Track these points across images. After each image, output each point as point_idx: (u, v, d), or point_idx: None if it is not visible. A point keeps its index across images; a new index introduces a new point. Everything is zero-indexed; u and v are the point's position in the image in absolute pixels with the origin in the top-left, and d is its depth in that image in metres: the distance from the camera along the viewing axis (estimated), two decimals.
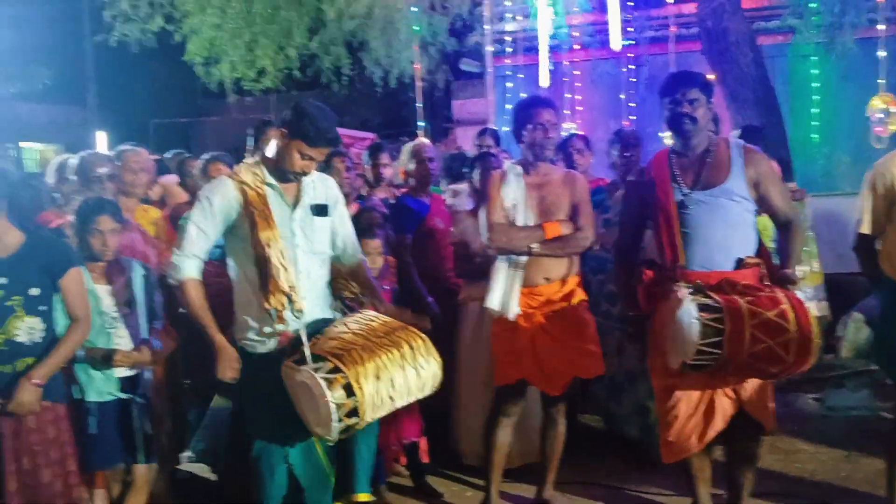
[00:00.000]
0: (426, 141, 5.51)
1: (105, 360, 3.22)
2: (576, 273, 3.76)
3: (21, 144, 16.26)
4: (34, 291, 3.01)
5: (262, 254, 2.99)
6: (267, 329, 3.06)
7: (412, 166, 4.76)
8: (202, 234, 3.08)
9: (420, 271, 4.41)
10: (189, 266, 3.07)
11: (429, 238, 4.60)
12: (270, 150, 3.14)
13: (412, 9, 9.32)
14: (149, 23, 9.29)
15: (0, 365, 2.97)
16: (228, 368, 3.06)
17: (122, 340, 3.29)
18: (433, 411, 4.11)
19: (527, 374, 3.67)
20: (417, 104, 9.62)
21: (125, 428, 3.28)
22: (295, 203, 3.14)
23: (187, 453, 4.34)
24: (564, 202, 3.67)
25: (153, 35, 9.43)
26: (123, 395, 3.29)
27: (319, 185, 3.25)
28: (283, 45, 9.84)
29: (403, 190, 4.97)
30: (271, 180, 3.11)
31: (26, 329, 2.99)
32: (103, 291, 3.30)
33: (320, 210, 3.19)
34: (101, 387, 3.26)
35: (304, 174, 3.11)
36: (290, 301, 2.97)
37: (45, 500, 3.01)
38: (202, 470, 4.35)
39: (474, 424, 4.13)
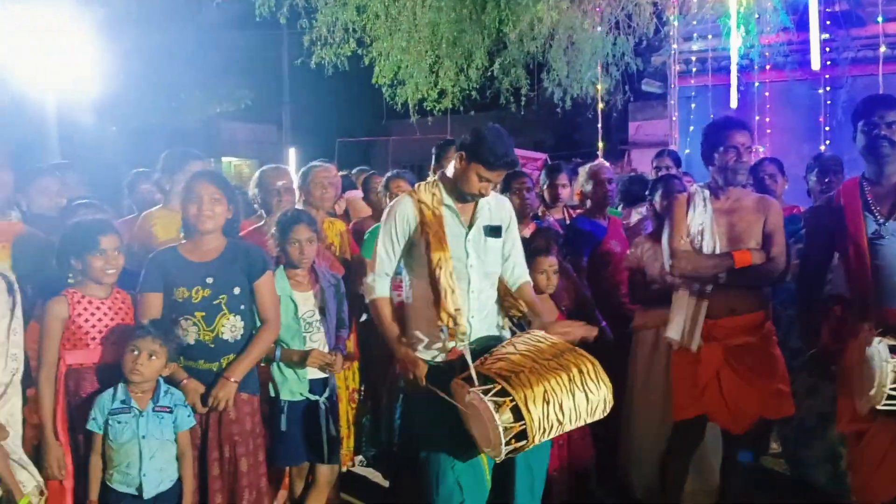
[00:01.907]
0: (605, 163, 5.43)
1: (300, 360, 3.41)
2: (765, 306, 3.54)
3: (223, 159, 17.72)
4: (236, 290, 3.24)
5: (434, 273, 3.05)
6: (437, 344, 3.12)
7: (589, 187, 4.70)
8: (389, 254, 3.20)
9: (593, 295, 4.34)
10: (381, 286, 3.21)
11: (604, 261, 4.52)
12: (450, 170, 3.20)
13: (597, 29, 9.24)
14: (343, 47, 9.85)
15: (207, 362, 3.21)
16: (416, 376, 3.13)
17: (315, 345, 3.48)
18: (601, 439, 4.02)
19: (708, 410, 3.49)
20: (598, 125, 9.52)
21: (312, 428, 3.44)
22: (470, 224, 3.19)
23: (359, 457, 4.52)
24: (756, 229, 3.47)
25: (346, 59, 9.98)
26: (312, 397, 3.47)
27: (494, 207, 3.28)
28: (464, 67, 10.10)
29: (579, 211, 4.92)
30: (449, 202, 3.18)
31: (230, 327, 3.22)
32: (300, 298, 3.50)
33: (494, 231, 3.22)
34: (293, 387, 3.45)
35: (482, 195, 3.15)
36: (455, 323, 3.01)
37: (241, 488, 3.22)
38: (373, 475, 4.51)
39: (647, 457, 3.99)
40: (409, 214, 3.16)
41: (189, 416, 3.10)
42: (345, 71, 10.13)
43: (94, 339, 3.07)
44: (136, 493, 2.94)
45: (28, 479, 2.76)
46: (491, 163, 3.04)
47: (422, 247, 3.12)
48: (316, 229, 3.57)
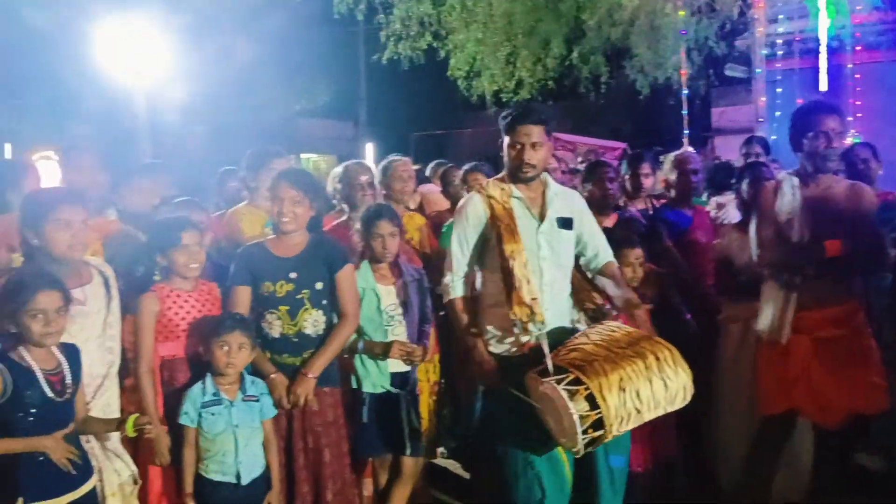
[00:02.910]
0: (691, 151, 5.29)
1: (382, 352, 3.46)
2: (858, 296, 3.40)
3: (301, 155, 18.05)
4: (318, 285, 3.31)
5: (507, 266, 3.04)
6: (510, 338, 3.11)
7: (674, 177, 4.60)
8: (463, 253, 3.22)
9: (677, 286, 4.24)
10: (459, 285, 3.23)
11: (689, 252, 4.41)
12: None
13: (679, 13, 9.02)
14: (418, 41, 9.92)
15: (291, 356, 3.29)
16: (489, 378, 3.15)
17: (397, 339, 3.52)
18: (687, 432, 3.93)
19: (798, 404, 3.39)
20: (683, 111, 9.29)
21: (394, 420, 3.49)
22: (541, 216, 3.17)
23: (441, 449, 4.55)
24: (848, 217, 3.34)
25: (421, 52, 10.05)
26: (394, 390, 3.51)
27: (565, 199, 3.26)
28: (541, 57, 10.02)
29: (662, 201, 4.82)
30: (518, 194, 3.17)
31: (312, 322, 3.29)
32: (383, 291, 3.55)
33: (566, 223, 3.20)
34: (375, 379, 3.51)
35: (528, 165, 3.11)
36: (532, 313, 2.99)
37: (325, 478, 3.29)
38: (455, 466, 4.54)
39: (734, 452, 3.88)
40: (479, 211, 3.17)
41: (272, 404, 3.19)
42: (420, 65, 10.20)
43: (184, 330, 3.18)
44: (233, 481, 3.03)
45: (123, 468, 2.88)
46: (504, 123, 3.13)
47: (493, 240, 3.12)
48: (399, 224, 3.62)
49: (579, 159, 7.65)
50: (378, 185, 4.35)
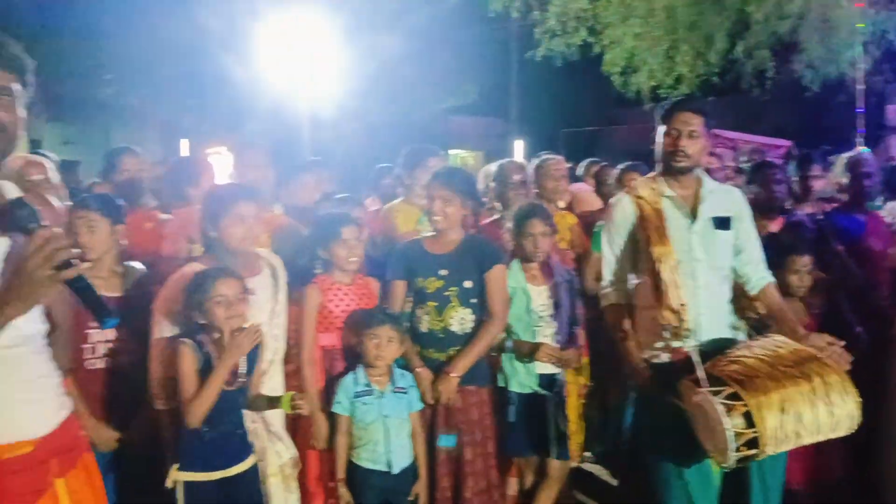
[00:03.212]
0: (867, 153, 4.91)
1: (530, 353, 3.45)
2: None
3: (450, 152, 18.31)
4: (467, 284, 3.34)
5: (655, 269, 2.93)
6: (659, 343, 3.00)
7: (847, 179, 4.29)
8: (615, 257, 3.14)
9: (847, 296, 3.96)
10: (612, 292, 3.15)
11: (862, 260, 4.10)
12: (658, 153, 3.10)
13: (855, 5, 8.40)
14: (573, 37, 9.80)
15: (437, 352, 3.34)
16: (643, 386, 3.07)
17: (545, 340, 3.50)
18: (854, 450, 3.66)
19: None
20: (858, 109, 8.65)
21: (540, 422, 3.47)
22: (694, 215, 3.03)
23: (587, 454, 4.48)
24: None
25: (576, 48, 9.92)
26: (541, 391, 3.49)
27: (722, 196, 3.10)
28: (703, 52, 9.63)
29: (833, 205, 4.51)
30: (670, 193, 3.05)
31: (459, 319, 3.33)
32: (534, 291, 3.54)
33: (722, 223, 3.03)
34: (522, 379, 3.50)
35: (682, 154, 2.98)
36: (681, 319, 2.87)
37: (465, 475, 3.31)
38: (601, 472, 4.46)
39: None
40: (627, 212, 3.08)
41: (419, 397, 3.25)
42: (571, 61, 10.08)
43: (342, 322, 3.28)
44: (384, 469, 3.11)
45: (284, 450, 3.01)
46: (663, 111, 3.03)
47: (642, 242, 3.02)
48: (551, 223, 3.59)
49: (742, 158, 7.30)
50: (530, 184, 4.33)
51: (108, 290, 2.94)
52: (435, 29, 12.67)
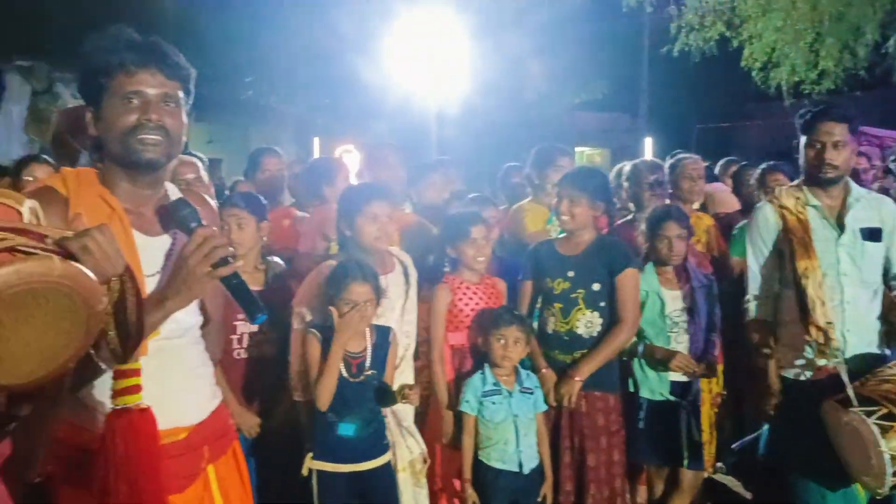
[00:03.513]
0: None
1: (663, 360, 3.36)
2: None
3: (575, 149, 18.07)
4: (595, 286, 3.29)
5: (800, 283, 2.79)
6: (801, 360, 2.86)
7: None
8: (759, 269, 3.02)
9: None
10: (754, 306, 3.03)
11: None
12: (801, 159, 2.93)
13: None
14: (710, 31, 9.46)
15: (561, 354, 3.31)
16: (775, 405, 2.97)
17: (680, 346, 3.40)
18: None
19: None
20: None
21: (672, 430, 3.37)
22: (840, 225, 2.86)
23: (719, 464, 4.32)
24: None
25: (714, 43, 9.58)
26: (673, 399, 3.40)
27: (871, 205, 2.91)
28: (850, 44, 9.05)
29: None
30: (815, 202, 2.89)
31: (585, 322, 3.28)
32: (668, 296, 3.44)
33: (872, 234, 2.85)
34: (654, 385, 3.41)
35: (828, 165, 2.82)
36: (827, 338, 2.71)
37: (588, 481, 3.26)
38: (734, 484, 4.28)
39: None
40: (771, 222, 2.94)
41: (543, 398, 3.23)
42: (710, 56, 9.73)
43: (470, 321, 3.30)
44: (514, 469, 3.10)
45: (414, 445, 3.05)
46: (802, 121, 2.87)
47: (786, 253, 2.89)
48: (687, 225, 3.48)
49: (892, 157, 6.80)
50: (665, 184, 4.21)
51: (252, 284, 3.03)
52: (564, 24, 12.52)
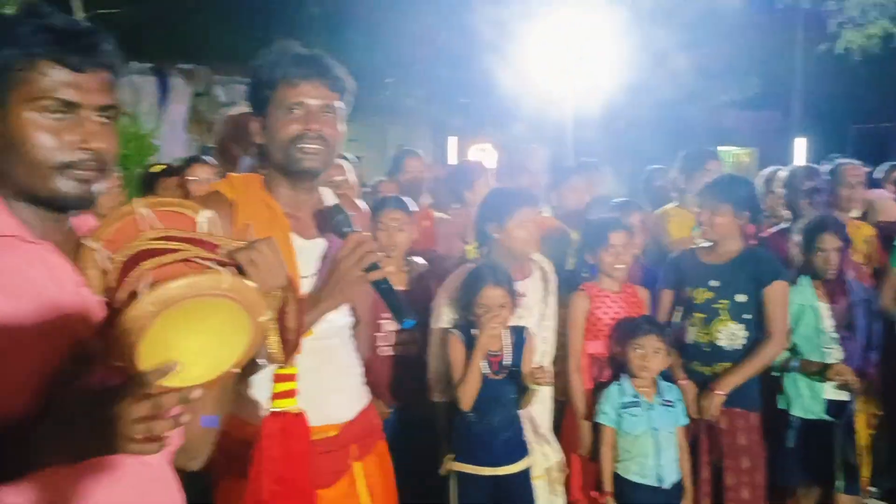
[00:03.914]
0: None
1: (820, 372, 3.19)
2: None
3: (720, 148, 17.32)
4: (740, 298, 3.15)
5: None
6: None
7: None
8: None
9: None
10: None
11: None
12: None
13: None
14: (873, 27, 8.84)
15: (701, 365, 3.20)
16: None
17: (837, 363, 3.21)
18: None
19: None
20: None
21: (824, 451, 3.20)
22: None
23: (873, 489, 4.05)
24: None
25: (879, 39, 8.94)
26: (828, 418, 3.22)
27: None
28: None
29: None
30: None
31: (728, 334, 3.15)
32: (825, 310, 3.27)
33: None
34: (808, 404, 3.24)
35: None
36: None
37: (727, 501, 3.12)
38: None
39: None
40: None
41: (685, 411, 3.13)
42: (874, 53, 9.07)
43: (610, 330, 3.24)
44: (653, 484, 3.02)
45: (551, 453, 3.04)
46: None
47: None
48: (845, 237, 3.27)
49: None
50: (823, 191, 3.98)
51: (396, 284, 3.15)
52: (715, 20, 12.05)
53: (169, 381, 1.11)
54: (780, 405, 3.28)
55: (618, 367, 3.18)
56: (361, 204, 2.12)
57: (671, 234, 3.89)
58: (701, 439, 3.18)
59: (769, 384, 3.26)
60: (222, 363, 1.20)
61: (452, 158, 13.46)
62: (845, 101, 15.84)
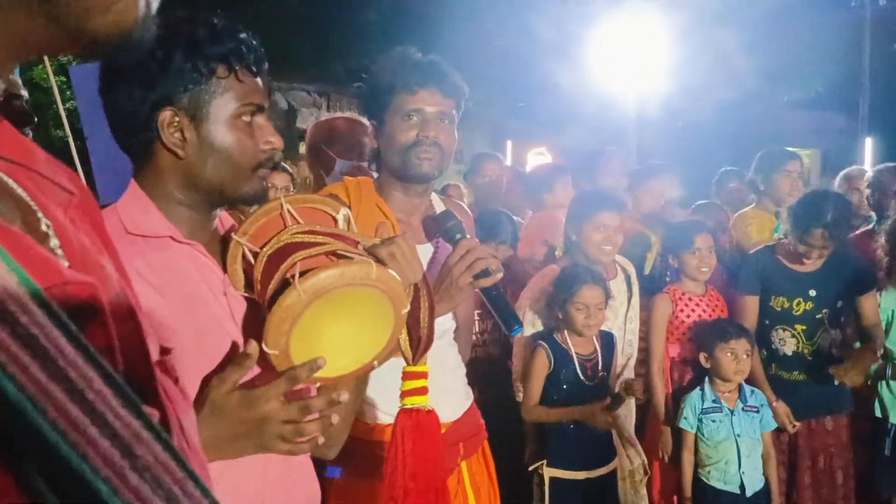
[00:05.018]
0: None
1: None
2: None
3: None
4: (839, 305, 3.09)
5: None
6: None
7: None
8: None
9: None
10: None
11: None
12: None
13: None
14: None
15: (803, 374, 3.15)
16: None
17: None
18: None
19: None
20: None
21: None
22: None
23: None
24: None
25: None
26: None
27: None
28: None
29: None
30: None
31: (828, 342, 3.10)
32: None
33: None
34: None
35: None
36: None
37: (836, 499, 3.10)
38: None
39: None
40: None
41: (772, 416, 3.07)
42: None
43: (693, 333, 3.20)
44: (735, 491, 2.99)
45: (634, 455, 3.02)
46: None
47: None
48: None
49: None
50: None
51: None
52: (780, 18, 11.81)
53: (316, 373, 1.15)
54: (877, 413, 3.21)
55: (700, 370, 3.14)
56: (467, 209, 2.14)
57: (752, 236, 3.82)
58: (800, 445, 3.14)
59: (867, 392, 3.19)
60: (366, 354, 1.23)
61: (508, 162, 13.45)
62: None
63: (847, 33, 13.96)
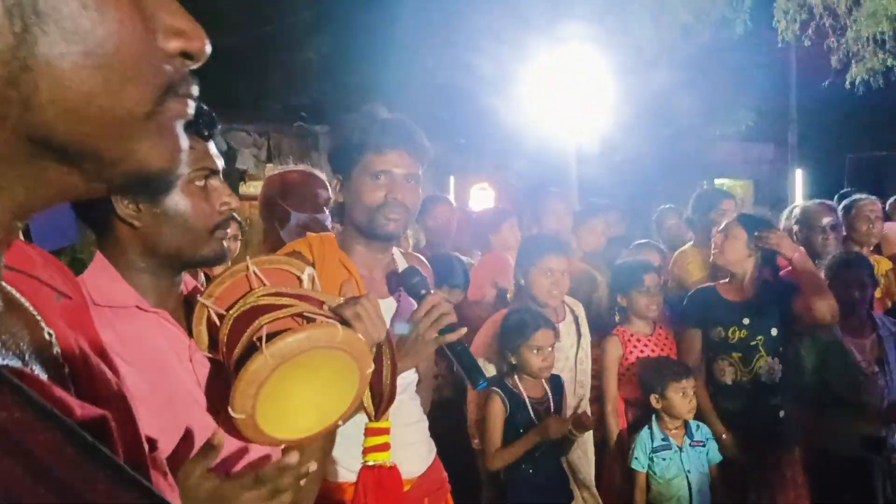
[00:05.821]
0: None
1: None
2: None
3: (715, 181, 17.49)
4: (774, 332, 3.21)
5: None
6: None
7: None
8: None
9: None
10: None
11: None
12: None
13: None
14: (871, 61, 9.04)
15: (739, 404, 3.22)
16: None
17: (870, 398, 3.24)
18: None
19: None
20: None
21: (866, 490, 3.21)
22: None
23: None
24: None
25: (880, 74, 9.14)
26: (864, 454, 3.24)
27: None
28: None
29: None
30: None
31: (767, 369, 3.19)
32: (855, 346, 3.30)
33: None
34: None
35: None
36: None
37: None
38: None
39: None
40: None
41: (717, 449, 3.14)
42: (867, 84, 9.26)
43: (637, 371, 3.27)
44: None
45: (589, 498, 3.04)
46: None
47: None
48: (872, 274, 3.33)
49: None
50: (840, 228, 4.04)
51: None
52: (713, 57, 12.26)
53: (281, 434, 1.16)
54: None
55: (647, 410, 3.19)
56: (426, 262, 2.16)
57: (692, 274, 3.94)
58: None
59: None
60: (331, 415, 1.25)
61: (451, 197, 13.51)
62: (840, 130, 16.02)
63: (775, 71, 14.57)
